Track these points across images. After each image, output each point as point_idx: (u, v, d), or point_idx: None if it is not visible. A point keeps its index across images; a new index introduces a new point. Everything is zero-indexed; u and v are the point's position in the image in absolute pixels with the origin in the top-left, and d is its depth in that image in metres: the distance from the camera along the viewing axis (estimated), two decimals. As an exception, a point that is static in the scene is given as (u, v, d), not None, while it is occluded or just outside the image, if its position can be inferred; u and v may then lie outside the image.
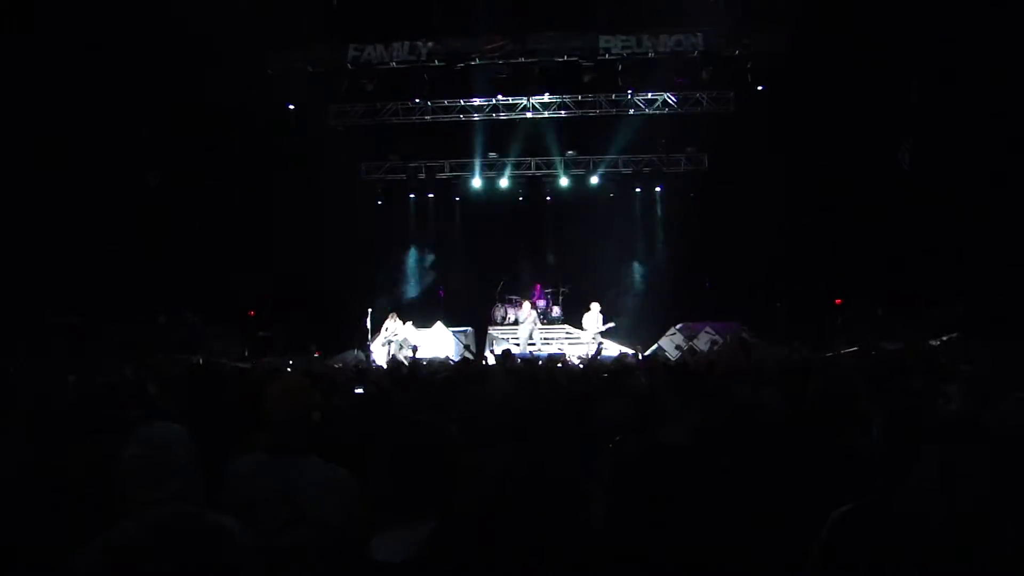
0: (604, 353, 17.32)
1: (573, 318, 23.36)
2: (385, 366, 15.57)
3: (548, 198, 25.29)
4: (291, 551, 3.14)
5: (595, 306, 19.68)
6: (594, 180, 24.92)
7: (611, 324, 19.44)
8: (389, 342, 18.91)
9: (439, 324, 20.99)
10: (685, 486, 3.57)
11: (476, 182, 24.94)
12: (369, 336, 20.34)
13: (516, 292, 24.14)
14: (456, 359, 15.42)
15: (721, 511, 3.41)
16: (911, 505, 2.02)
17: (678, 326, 20.36)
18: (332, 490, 3.34)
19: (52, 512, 3.35)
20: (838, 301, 18.89)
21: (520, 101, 21.83)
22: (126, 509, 2.70)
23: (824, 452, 3.78)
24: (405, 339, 18.98)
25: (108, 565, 2.54)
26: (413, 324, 19.71)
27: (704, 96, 21.62)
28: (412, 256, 25.47)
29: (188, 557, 2.56)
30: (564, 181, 24.97)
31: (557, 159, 24.61)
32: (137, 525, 2.61)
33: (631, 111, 22.02)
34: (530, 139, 23.85)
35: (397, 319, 19.49)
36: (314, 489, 3.30)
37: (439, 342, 20.15)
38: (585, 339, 19.55)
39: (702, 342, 19.01)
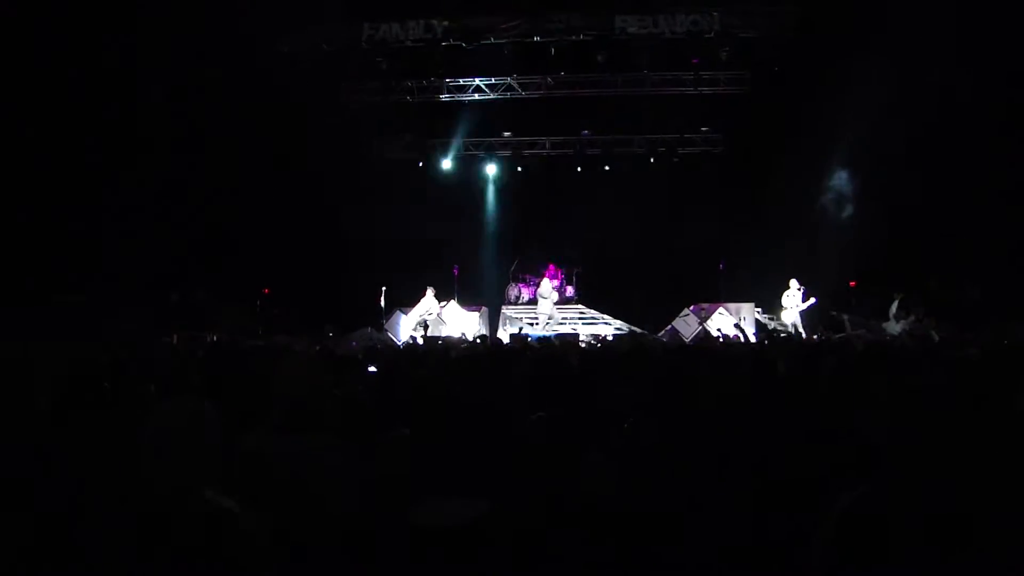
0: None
1: (587, 298, 23.37)
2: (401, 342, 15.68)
3: (562, 177, 25.27)
4: (300, 527, 3.17)
5: (793, 283, 18.95)
6: (607, 166, 24.90)
7: (812, 301, 18.67)
8: (426, 323, 19.00)
9: (453, 303, 21.02)
10: (699, 465, 3.58)
11: (491, 161, 24.96)
12: (383, 314, 20.40)
13: (530, 271, 24.13)
14: (473, 337, 15.47)
15: (732, 489, 3.42)
16: (916, 489, 2.02)
17: (691, 307, 20.32)
18: (342, 467, 3.36)
19: (65, 491, 3.38)
20: (852, 284, 18.81)
21: (535, 80, 21.73)
22: (145, 485, 2.73)
23: (835, 434, 3.77)
24: (427, 317, 19.08)
25: (108, 544, 2.56)
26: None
27: (721, 76, 21.49)
28: None
29: (186, 540, 2.57)
30: (579, 168, 25.00)
31: (572, 138, 24.60)
32: (140, 505, 2.63)
33: (646, 91, 21.90)
34: (545, 118, 23.80)
35: (433, 297, 19.65)
36: (323, 467, 3.33)
37: (463, 321, 20.16)
38: (787, 318, 18.92)
39: (716, 323, 18.96)
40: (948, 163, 16.52)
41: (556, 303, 22.52)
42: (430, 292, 19.81)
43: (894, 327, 17.01)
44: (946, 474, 2.01)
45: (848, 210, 19.92)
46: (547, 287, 21.17)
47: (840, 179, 19.92)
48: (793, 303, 18.70)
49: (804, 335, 17.20)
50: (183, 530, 2.58)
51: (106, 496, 2.92)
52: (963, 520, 1.95)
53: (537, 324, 20.67)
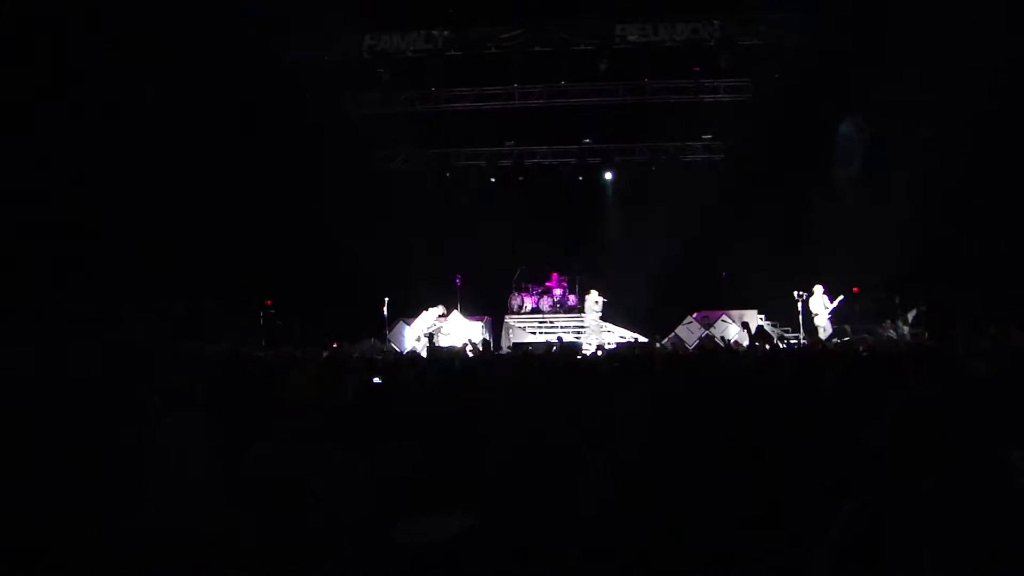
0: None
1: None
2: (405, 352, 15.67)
3: (564, 186, 25.30)
4: (307, 538, 3.18)
5: (818, 288, 18.80)
6: (608, 175, 24.93)
7: (841, 298, 18.55)
8: (431, 334, 18.99)
9: (456, 313, 21.03)
10: (697, 470, 3.58)
11: (492, 170, 25.00)
12: (387, 325, 20.41)
13: (533, 280, 24.12)
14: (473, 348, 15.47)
15: (733, 497, 3.42)
16: (922, 499, 2.03)
17: (695, 315, 20.34)
18: (347, 477, 3.37)
19: (68, 501, 3.39)
20: (855, 289, 18.79)
21: (536, 89, 21.79)
22: (149, 496, 2.74)
23: (839, 442, 3.77)
24: (431, 328, 19.07)
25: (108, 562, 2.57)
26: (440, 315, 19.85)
27: (721, 84, 21.52)
28: None
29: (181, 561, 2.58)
30: (581, 177, 25.03)
31: (573, 147, 24.64)
32: (138, 523, 2.64)
33: (648, 99, 21.94)
34: (546, 127, 23.84)
35: (440, 314, 19.65)
36: (330, 476, 3.34)
37: (466, 331, 20.16)
38: (819, 322, 18.72)
39: (719, 330, 18.99)
40: (947, 165, 16.52)
41: (557, 311, 22.60)
42: (440, 308, 19.79)
43: (897, 331, 17.09)
44: (947, 481, 2.01)
45: (856, 164, 19.74)
46: (593, 299, 21.00)
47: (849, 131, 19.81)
48: (820, 306, 18.62)
49: (832, 336, 17.27)
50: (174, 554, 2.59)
51: (107, 506, 2.93)
52: (964, 527, 1.96)
53: (585, 332, 20.52)
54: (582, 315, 23.02)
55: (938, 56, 16.14)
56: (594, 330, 20.38)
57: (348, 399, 5.27)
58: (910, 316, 17.42)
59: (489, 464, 3.29)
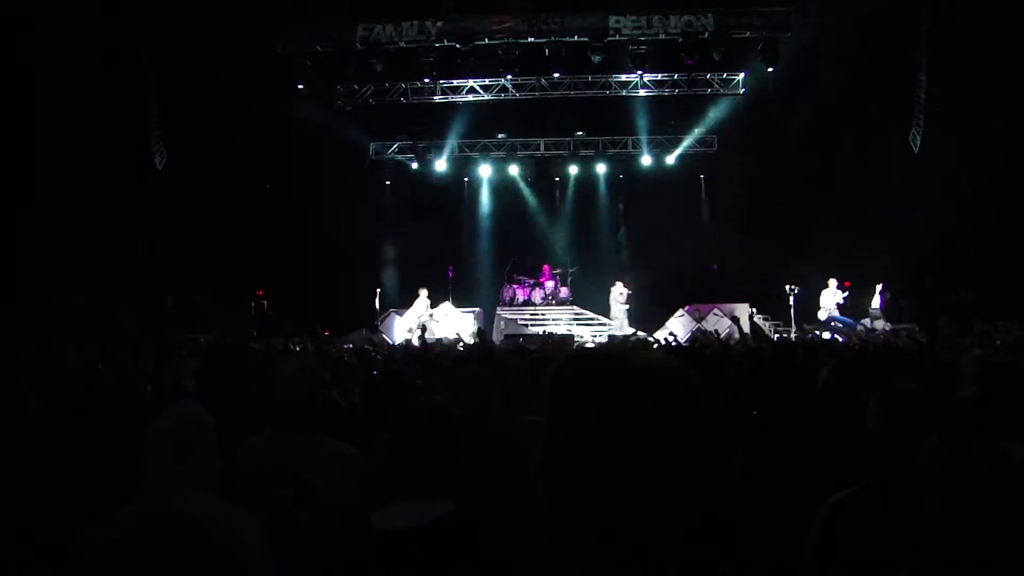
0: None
1: (581, 299, 23.36)
2: (397, 343, 15.65)
3: (557, 178, 25.31)
4: (301, 529, 3.18)
5: (832, 282, 18.61)
6: (601, 167, 24.92)
7: (846, 294, 18.44)
8: (423, 326, 18.97)
9: (447, 304, 21.00)
10: (688, 466, 3.58)
11: (485, 162, 24.97)
12: (378, 316, 20.38)
13: (525, 272, 24.10)
14: (468, 339, 15.47)
15: (726, 491, 3.42)
16: (910, 492, 2.03)
17: (686, 308, 20.34)
18: (341, 468, 3.37)
19: (66, 488, 3.39)
20: (847, 284, 18.84)
21: (529, 81, 21.74)
22: (146, 485, 2.74)
23: (831, 436, 3.78)
24: (423, 319, 19.05)
25: (106, 555, 2.57)
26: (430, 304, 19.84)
27: (715, 77, 21.49)
28: None
29: (186, 553, 2.58)
30: (573, 169, 25.03)
31: (566, 140, 24.63)
32: (141, 514, 2.63)
33: (641, 92, 21.92)
34: (539, 119, 23.82)
35: (426, 298, 19.63)
36: (323, 468, 3.34)
37: (458, 322, 20.14)
38: (820, 316, 18.60)
39: (710, 324, 18.98)
40: (941, 163, 16.58)
41: (551, 304, 22.60)
42: (423, 293, 19.77)
43: (871, 321, 17.21)
44: (939, 475, 2.02)
45: None
46: (618, 290, 20.89)
47: None
48: (830, 301, 18.57)
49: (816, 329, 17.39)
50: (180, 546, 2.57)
51: (103, 498, 2.92)
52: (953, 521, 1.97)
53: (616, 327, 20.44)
54: (570, 307, 23.05)
55: (936, 53, 16.19)
56: (620, 324, 20.30)
57: (346, 393, 5.28)
58: (874, 302, 17.49)
59: (479, 457, 3.30)
